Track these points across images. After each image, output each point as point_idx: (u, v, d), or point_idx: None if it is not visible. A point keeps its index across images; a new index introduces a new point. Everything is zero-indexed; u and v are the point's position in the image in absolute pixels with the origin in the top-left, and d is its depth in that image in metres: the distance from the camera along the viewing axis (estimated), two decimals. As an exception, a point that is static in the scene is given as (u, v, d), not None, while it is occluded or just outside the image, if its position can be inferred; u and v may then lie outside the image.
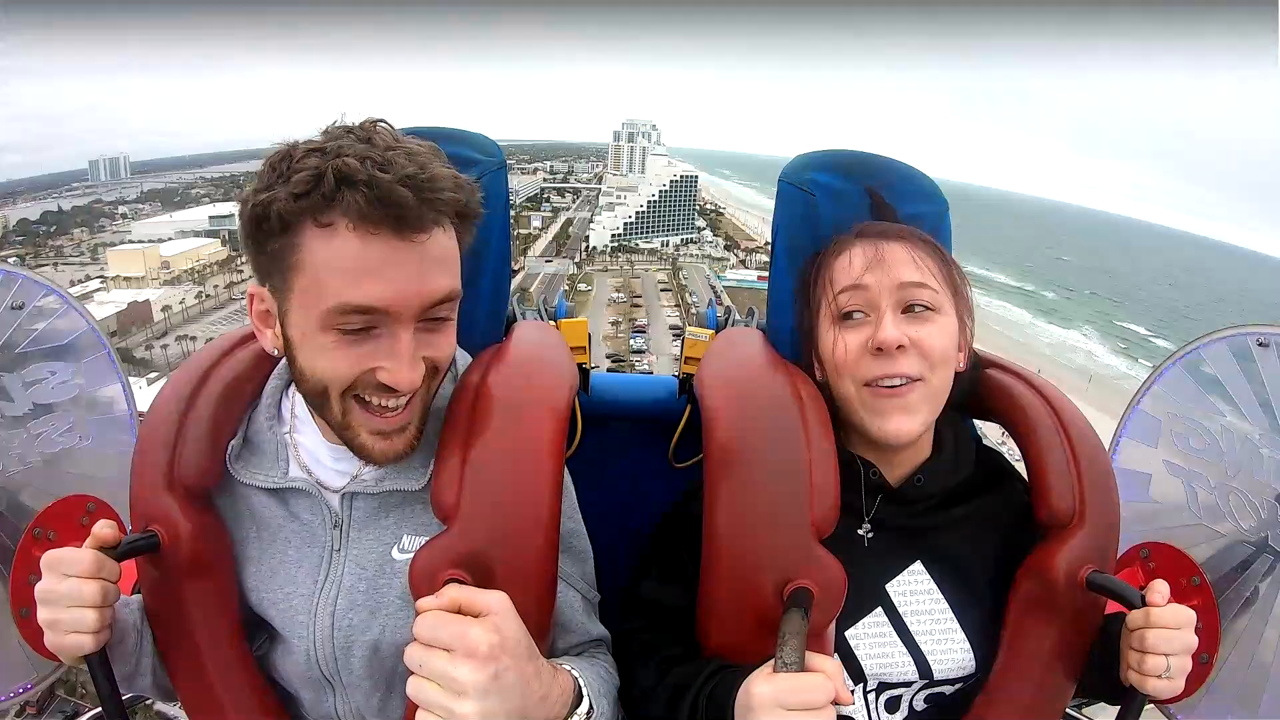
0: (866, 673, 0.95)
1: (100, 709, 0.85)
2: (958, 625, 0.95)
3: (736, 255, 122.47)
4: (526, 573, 0.82)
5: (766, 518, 0.89)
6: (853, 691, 0.95)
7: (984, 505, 1.01)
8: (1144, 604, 0.84)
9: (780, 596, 0.84)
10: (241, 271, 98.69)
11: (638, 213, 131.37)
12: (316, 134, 0.80)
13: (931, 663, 0.94)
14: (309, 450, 0.93)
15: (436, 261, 0.79)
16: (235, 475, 0.93)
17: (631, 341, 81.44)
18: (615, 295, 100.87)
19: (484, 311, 1.19)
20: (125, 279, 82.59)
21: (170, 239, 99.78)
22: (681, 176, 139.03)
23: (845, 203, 1.10)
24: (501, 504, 0.83)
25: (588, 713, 0.81)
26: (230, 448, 0.93)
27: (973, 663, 0.95)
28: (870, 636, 0.95)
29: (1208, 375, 1.30)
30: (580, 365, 1.26)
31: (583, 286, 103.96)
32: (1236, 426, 1.27)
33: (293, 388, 0.96)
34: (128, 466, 0.93)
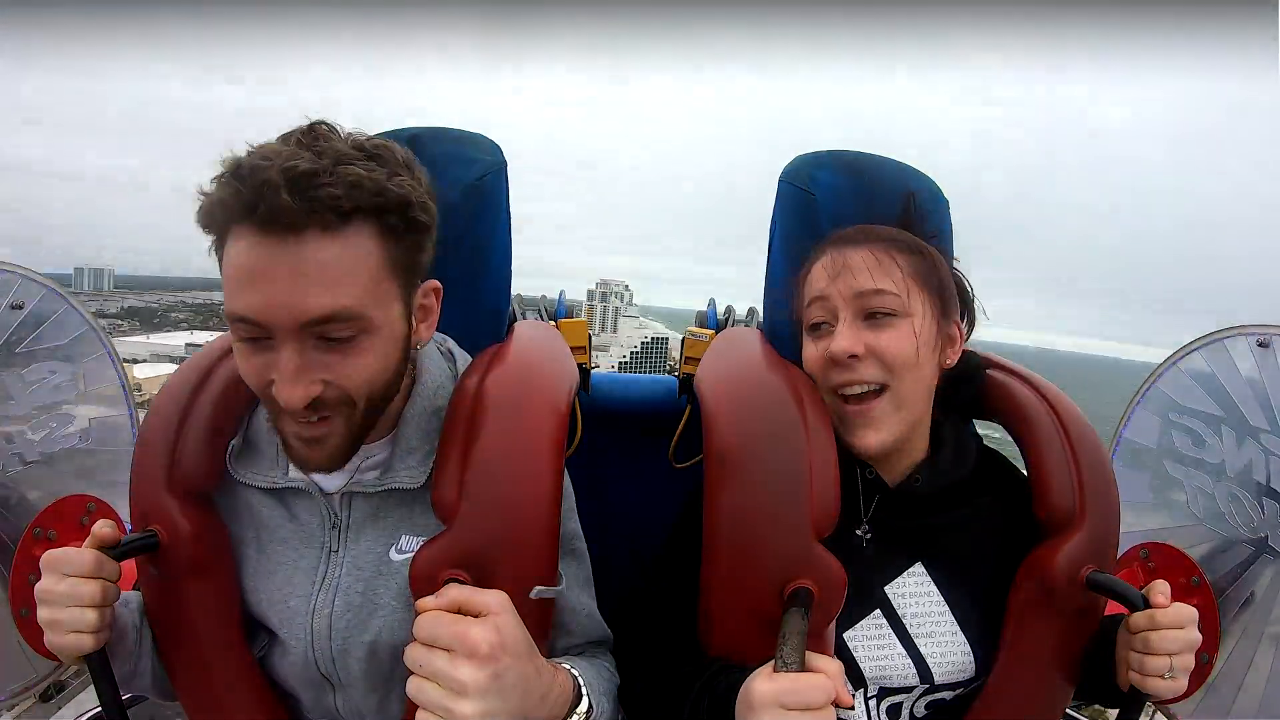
0: (866, 676, 0.94)
1: (100, 709, 0.85)
2: (957, 628, 0.95)
3: None
4: (526, 572, 0.82)
5: (766, 517, 0.89)
6: (854, 696, 0.95)
7: (985, 506, 1.01)
8: (1145, 604, 0.84)
9: (780, 596, 0.84)
10: None
11: (620, 363, 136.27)
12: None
13: (931, 666, 0.94)
14: None
15: (316, 274, 0.72)
16: (235, 475, 0.93)
17: None
18: None
19: (485, 311, 1.19)
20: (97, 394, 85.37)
21: (145, 360, 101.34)
22: (653, 338, 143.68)
23: (845, 202, 1.10)
24: (502, 504, 0.83)
25: (587, 712, 0.81)
26: (230, 448, 0.93)
27: (973, 666, 0.95)
28: (869, 639, 0.95)
29: (1208, 375, 1.30)
30: (580, 365, 1.26)
31: None
32: (1236, 426, 1.27)
33: None
34: (128, 466, 0.93)
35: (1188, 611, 0.83)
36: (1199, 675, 1.10)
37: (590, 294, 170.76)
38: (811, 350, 0.98)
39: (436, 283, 0.88)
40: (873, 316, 0.93)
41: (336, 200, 0.71)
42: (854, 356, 0.92)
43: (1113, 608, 0.93)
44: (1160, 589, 0.84)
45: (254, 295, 0.72)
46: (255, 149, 0.73)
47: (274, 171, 0.69)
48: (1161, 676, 0.82)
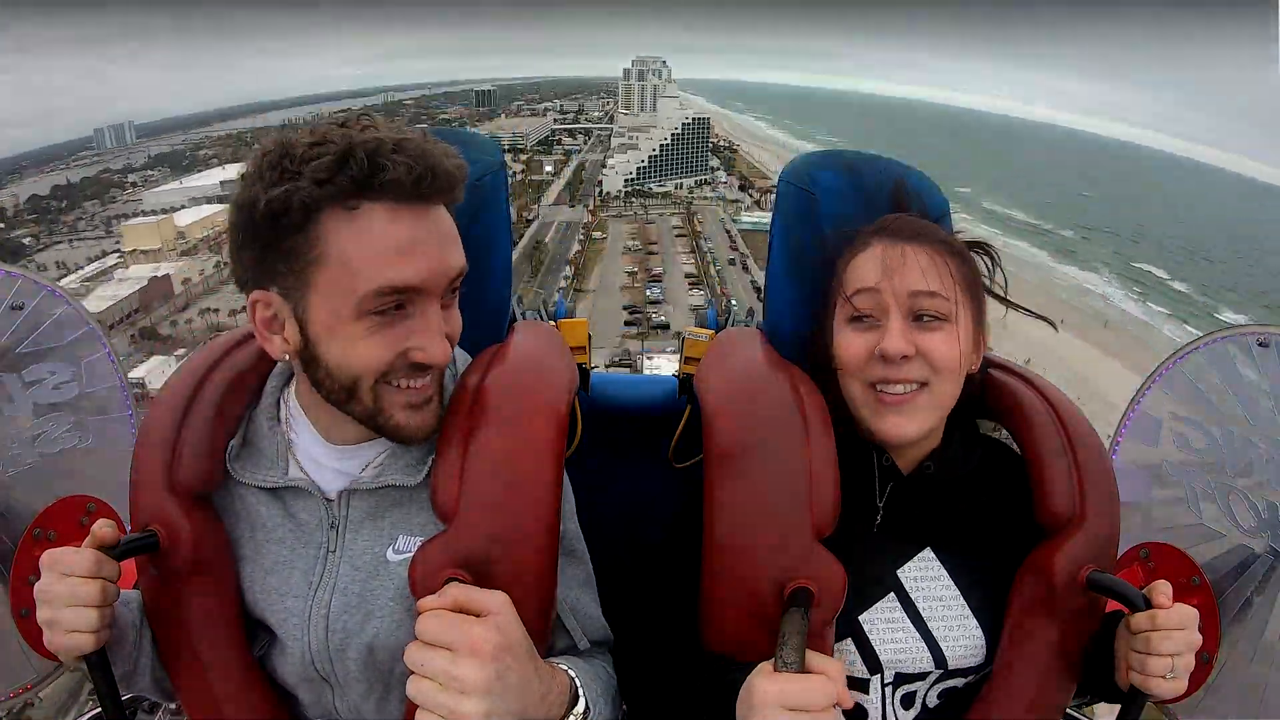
0: (882, 661, 0.94)
1: (100, 709, 0.85)
2: (969, 611, 0.95)
3: (751, 195, 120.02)
4: (526, 572, 0.82)
5: (766, 517, 0.89)
6: (866, 681, 0.95)
7: (993, 495, 1.01)
8: (1146, 604, 0.84)
9: (780, 596, 0.85)
10: None
11: (650, 157, 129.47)
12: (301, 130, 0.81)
13: (945, 649, 0.94)
14: (305, 451, 0.93)
15: (451, 237, 0.84)
16: (235, 475, 0.93)
17: (648, 292, 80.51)
18: (630, 243, 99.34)
19: (485, 311, 1.19)
20: (142, 253, 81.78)
21: (183, 207, 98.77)
22: (694, 119, 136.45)
23: (846, 202, 1.10)
24: (501, 504, 0.83)
25: (584, 713, 0.81)
26: (230, 448, 0.93)
27: (984, 650, 0.95)
28: (884, 622, 0.95)
29: (1208, 375, 1.30)
30: (580, 365, 1.27)
31: (597, 234, 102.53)
32: (1236, 426, 1.27)
33: (290, 388, 0.96)
34: (128, 466, 0.93)
35: (1189, 612, 0.83)
36: (1199, 675, 1.10)
37: (626, 72, 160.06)
38: (855, 341, 0.95)
39: None
40: (920, 318, 0.93)
41: (452, 174, 0.80)
42: (905, 357, 0.91)
43: (1113, 607, 0.93)
44: (1162, 589, 0.84)
45: (415, 264, 0.79)
46: (331, 137, 0.76)
47: (420, 149, 0.77)
48: (1163, 677, 0.82)
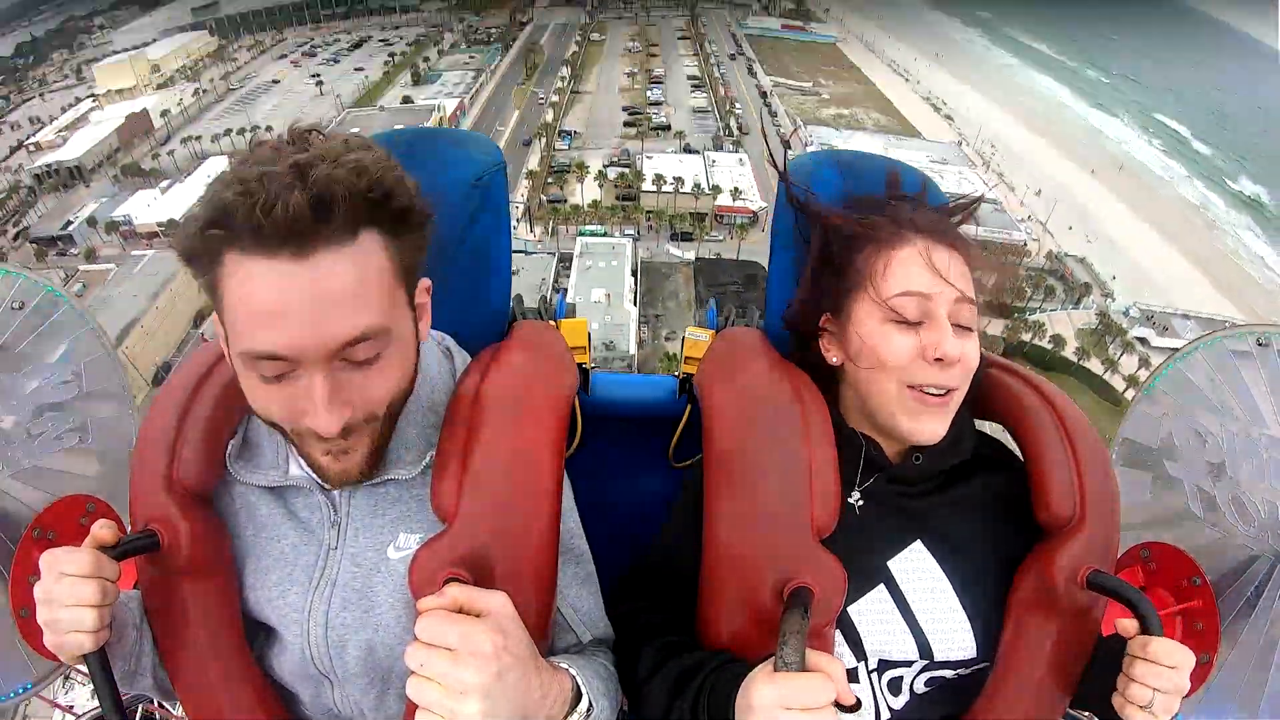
0: (867, 649, 0.95)
1: (100, 708, 0.85)
2: (959, 605, 0.95)
3: (759, 1, 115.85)
4: (526, 573, 0.82)
5: (767, 517, 0.89)
6: (854, 669, 0.95)
7: (983, 488, 1.01)
8: (1145, 604, 0.84)
9: (780, 596, 0.85)
10: (235, 59, 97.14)
11: None
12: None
13: (932, 642, 0.94)
14: None
15: (337, 296, 0.69)
16: (235, 475, 0.93)
17: (648, 94, 78.85)
18: (630, 44, 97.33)
19: (485, 311, 1.19)
20: (117, 92, 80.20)
21: (156, 40, 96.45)
22: None
23: (846, 200, 1.10)
24: (502, 504, 0.83)
25: (587, 711, 0.81)
26: (230, 447, 0.93)
27: (973, 644, 0.95)
28: (873, 613, 0.95)
29: (1208, 374, 1.30)
30: (580, 365, 1.27)
31: (595, 36, 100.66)
32: (1236, 426, 1.27)
33: None
34: (127, 466, 0.93)
35: (1183, 655, 0.81)
36: (1200, 675, 1.10)
37: None
38: (901, 341, 0.93)
39: (427, 280, 0.86)
40: (957, 325, 0.94)
41: (345, 190, 0.67)
42: (954, 362, 0.92)
43: (1113, 608, 0.93)
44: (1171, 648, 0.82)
45: (278, 330, 0.69)
46: (247, 163, 0.68)
47: (282, 167, 0.65)
48: (1140, 707, 0.81)
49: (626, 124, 71.89)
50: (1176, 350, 1.35)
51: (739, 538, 0.89)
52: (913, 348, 0.93)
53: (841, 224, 1.02)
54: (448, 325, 1.06)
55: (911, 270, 0.94)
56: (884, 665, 0.96)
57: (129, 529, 0.92)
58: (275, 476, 0.92)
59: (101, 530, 0.83)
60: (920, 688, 0.96)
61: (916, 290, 0.93)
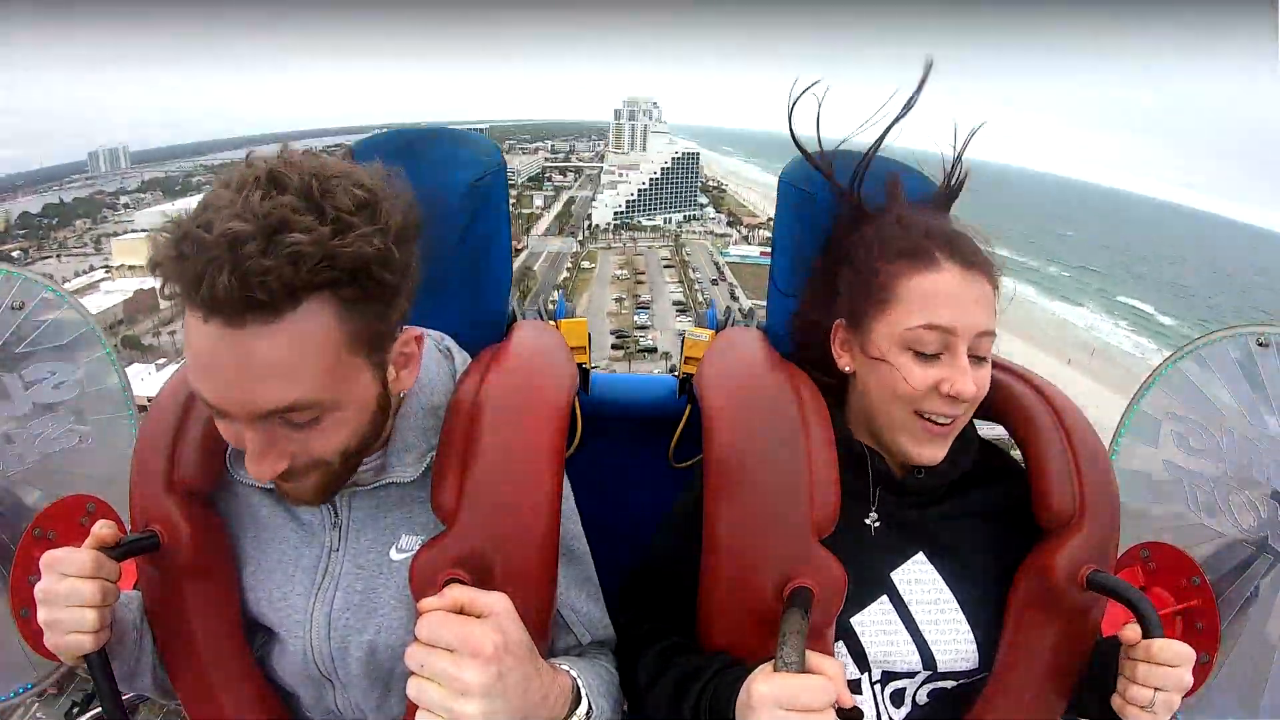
0: (871, 660, 0.95)
1: (100, 708, 0.85)
2: (962, 616, 0.95)
3: (739, 231, 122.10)
4: (527, 573, 0.82)
5: (767, 517, 0.89)
6: (858, 680, 0.95)
7: (984, 499, 1.01)
8: (1145, 604, 0.84)
9: (780, 596, 0.84)
10: None
11: (640, 190, 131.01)
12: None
13: (935, 652, 0.94)
14: None
15: (263, 370, 0.67)
16: (236, 476, 0.93)
17: (635, 317, 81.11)
18: (619, 272, 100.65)
19: (485, 311, 1.19)
20: (130, 268, 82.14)
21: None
22: (683, 154, 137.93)
23: (847, 201, 1.10)
24: (502, 504, 0.83)
25: (587, 713, 0.81)
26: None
27: (975, 655, 0.95)
28: (876, 624, 0.95)
29: (1208, 374, 1.30)
30: (580, 365, 1.26)
31: (586, 265, 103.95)
32: (1236, 426, 1.27)
33: None
34: (128, 466, 0.93)
35: (1185, 652, 0.81)
36: (1200, 675, 1.10)
37: (617, 113, 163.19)
38: (921, 374, 0.91)
39: (417, 330, 0.83)
40: (973, 355, 0.92)
41: (276, 280, 0.63)
42: (968, 399, 0.91)
43: (1113, 608, 0.93)
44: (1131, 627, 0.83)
45: (207, 383, 0.69)
46: (202, 207, 0.66)
47: (218, 248, 0.62)
48: (1140, 708, 0.81)
49: (614, 346, 73.69)
50: (1177, 350, 1.35)
51: (738, 537, 0.89)
52: (929, 381, 0.90)
53: (869, 225, 1.00)
54: (447, 325, 1.06)
55: (940, 301, 0.91)
56: (887, 677, 0.96)
57: (129, 529, 0.92)
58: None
59: (102, 530, 0.83)
60: (923, 699, 0.96)
61: (941, 325, 0.90)
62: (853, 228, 1.03)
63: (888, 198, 1.05)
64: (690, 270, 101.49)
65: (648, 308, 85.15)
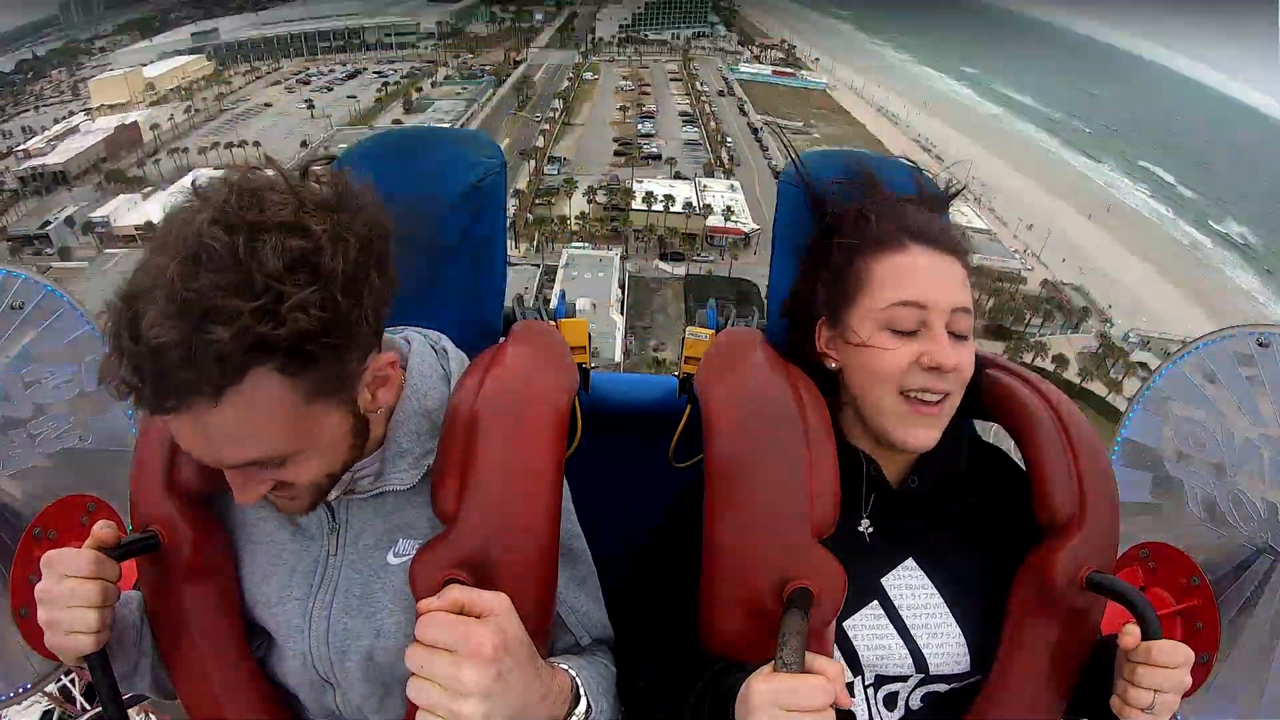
0: (863, 664, 0.95)
1: (101, 709, 0.85)
2: (952, 619, 0.96)
3: (751, 50, 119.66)
4: (526, 574, 0.82)
5: (766, 518, 0.89)
6: (851, 684, 0.95)
7: (978, 502, 1.01)
8: (1144, 605, 0.84)
9: (780, 596, 0.84)
10: (229, 83, 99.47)
11: (647, 3, 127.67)
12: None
13: (926, 655, 0.95)
14: None
15: (220, 437, 0.68)
16: None
17: (639, 126, 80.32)
18: (623, 84, 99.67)
19: (484, 311, 1.19)
20: (109, 107, 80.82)
21: (152, 61, 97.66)
22: None
23: (846, 200, 1.10)
24: (502, 505, 0.83)
25: (586, 712, 0.81)
26: None
27: (967, 658, 0.95)
28: (868, 628, 0.96)
29: (1208, 374, 1.30)
30: (580, 365, 1.26)
31: (588, 75, 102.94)
32: (1236, 426, 1.27)
33: None
34: (128, 466, 0.93)
35: (1184, 653, 0.81)
36: (1200, 675, 1.10)
37: None
38: (899, 351, 0.93)
39: (392, 355, 0.82)
40: (953, 333, 0.93)
41: (203, 379, 0.63)
42: (950, 370, 0.92)
43: (1112, 608, 0.93)
44: (1129, 632, 0.82)
45: (183, 444, 0.71)
46: (132, 291, 0.65)
47: (142, 358, 0.62)
48: (1140, 710, 0.81)
49: (617, 153, 72.92)
50: (1177, 350, 1.35)
51: (738, 538, 0.89)
52: (908, 356, 0.92)
53: (840, 224, 1.02)
54: (447, 325, 1.06)
55: (908, 278, 0.94)
56: (880, 680, 0.96)
57: (129, 529, 0.92)
58: None
59: (102, 531, 0.83)
60: (915, 703, 0.97)
61: (913, 300, 0.93)
62: (827, 229, 1.04)
63: (865, 193, 1.06)
64: (698, 83, 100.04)
65: (652, 117, 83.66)
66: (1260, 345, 1.28)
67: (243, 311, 0.62)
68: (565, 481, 0.95)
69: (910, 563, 0.98)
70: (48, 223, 55.20)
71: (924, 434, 0.94)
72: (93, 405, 1.34)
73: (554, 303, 1.43)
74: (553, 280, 47.76)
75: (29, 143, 71.71)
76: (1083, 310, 51.83)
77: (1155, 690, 0.80)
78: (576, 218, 57.71)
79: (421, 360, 0.94)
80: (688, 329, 1.37)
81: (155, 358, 0.62)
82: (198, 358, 0.62)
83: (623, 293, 47.77)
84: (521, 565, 0.82)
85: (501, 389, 0.91)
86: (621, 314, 45.37)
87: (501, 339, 1.10)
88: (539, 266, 50.24)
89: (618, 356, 40.44)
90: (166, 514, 0.88)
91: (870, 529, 0.99)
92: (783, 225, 1.18)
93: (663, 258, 54.65)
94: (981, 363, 1.08)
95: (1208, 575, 1.15)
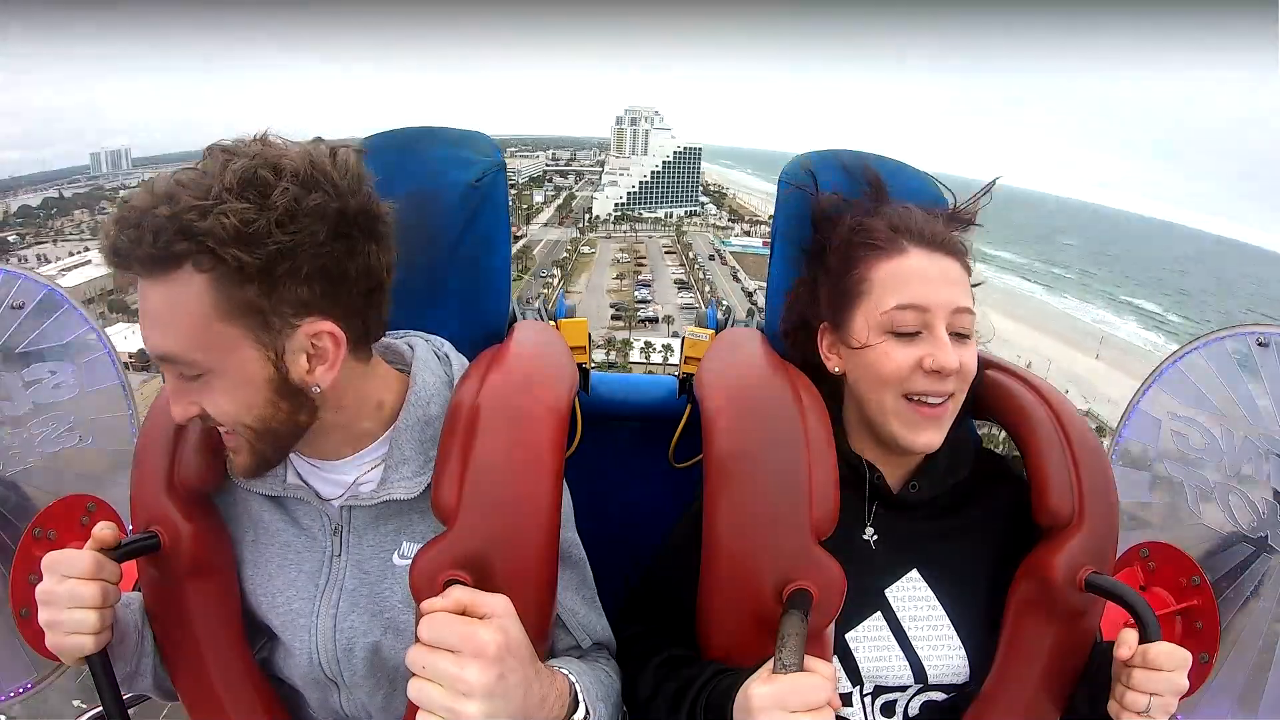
0: (863, 674, 0.95)
1: (101, 709, 0.85)
2: (954, 632, 0.96)
3: (741, 226, 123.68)
4: (526, 574, 0.82)
5: (766, 519, 0.89)
6: (849, 694, 0.95)
7: (982, 511, 1.01)
8: (1143, 605, 0.84)
9: (780, 598, 0.84)
10: None
11: (641, 183, 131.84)
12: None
13: (927, 667, 0.95)
14: (299, 458, 0.93)
15: (150, 316, 0.75)
16: (236, 481, 0.93)
17: (636, 293, 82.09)
18: (619, 255, 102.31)
19: (485, 311, 1.19)
20: None
21: None
22: (685, 148, 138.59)
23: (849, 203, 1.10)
24: (502, 505, 0.83)
25: (584, 717, 0.81)
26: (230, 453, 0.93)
27: (967, 669, 0.95)
28: (869, 640, 0.95)
29: (1208, 374, 1.30)
30: (580, 365, 1.26)
31: (585, 249, 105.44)
32: (1236, 426, 1.27)
33: None
34: (128, 466, 0.93)
35: (1181, 656, 0.81)
36: (1200, 675, 1.10)
37: (619, 119, 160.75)
38: (901, 353, 0.93)
39: (331, 326, 0.79)
40: (954, 334, 0.93)
41: (143, 248, 0.71)
42: (952, 373, 0.92)
43: (1111, 609, 0.93)
44: (1126, 639, 0.82)
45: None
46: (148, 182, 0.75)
47: (117, 215, 0.72)
48: (1137, 713, 0.81)
49: (614, 317, 74.24)
50: (1177, 350, 1.35)
51: (738, 539, 0.89)
52: (911, 359, 0.92)
53: (840, 227, 1.02)
54: (447, 324, 1.06)
55: (909, 281, 0.94)
56: (879, 690, 0.96)
57: (129, 529, 0.92)
58: (274, 485, 0.91)
59: (103, 531, 0.83)
60: (913, 711, 0.97)
61: (914, 303, 0.93)
62: (829, 232, 1.04)
63: (872, 196, 1.06)
64: (691, 252, 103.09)
65: (649, 284, 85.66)
66: (1260, 345, 1.28)
67: (186, 203, 0.71)
68: (565, 482, 0.95)
69: (915, 574, 0.98)
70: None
71: (928, 436, 0.93)
72: (93, 405, 1.35)
73: (554, 302, 1.43)
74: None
75: (43, 270, 72.79)
76: (1097, 431, 52.44)
77: (1151, 694, 0.80)
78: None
79: (425, 366, 0.93)
80: (687, 329, 1.37)
81: (121, 220, 0.72)
82: (141, 230, 0.71)
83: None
84: (521, 566, 0.82)
85: (501, 389, 0.91)
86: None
87: (503, 339, 1.10)
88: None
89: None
90: (167, 515, 0.88)
91: (875, 537, 0.99)
92: (782, 226, 1.18)
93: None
94: (981, 364, 1.08)
95: (1208, 575, 1.15)
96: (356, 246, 0.78)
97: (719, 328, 1.37)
